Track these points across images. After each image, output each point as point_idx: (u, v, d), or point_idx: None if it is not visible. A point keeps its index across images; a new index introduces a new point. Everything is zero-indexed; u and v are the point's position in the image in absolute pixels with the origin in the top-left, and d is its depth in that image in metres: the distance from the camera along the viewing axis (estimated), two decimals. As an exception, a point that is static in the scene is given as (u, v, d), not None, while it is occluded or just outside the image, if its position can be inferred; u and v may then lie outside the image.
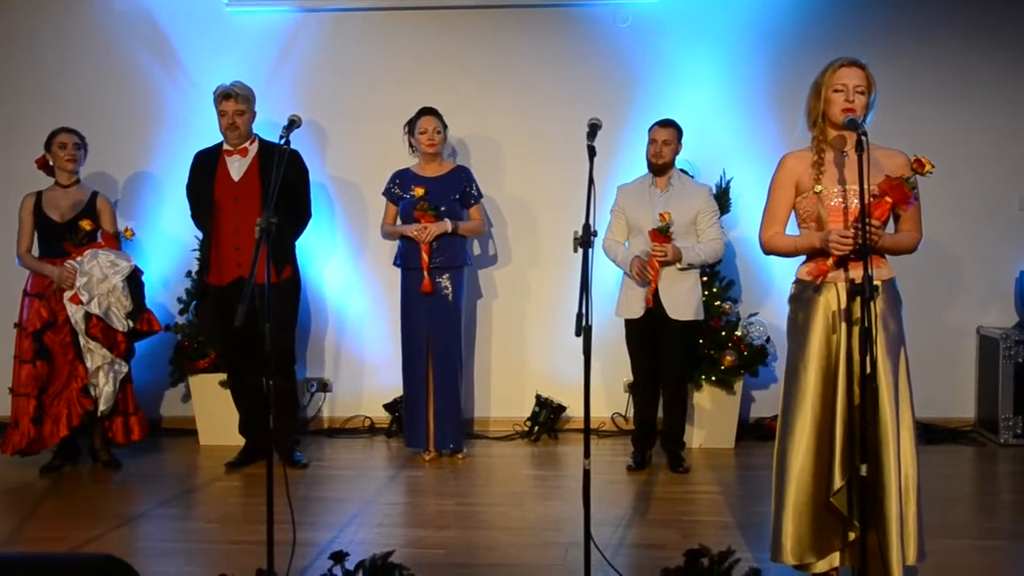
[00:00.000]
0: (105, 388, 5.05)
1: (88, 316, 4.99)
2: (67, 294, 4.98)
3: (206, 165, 5.17)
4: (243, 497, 4.74)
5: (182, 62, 6.14)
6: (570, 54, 6.03)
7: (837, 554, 3.21)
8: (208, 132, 5.84)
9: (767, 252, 3.40)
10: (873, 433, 3.05)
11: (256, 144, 5.14)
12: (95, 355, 5.03)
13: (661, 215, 4.89)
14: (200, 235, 5.57)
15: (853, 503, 3.08)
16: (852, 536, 3.11)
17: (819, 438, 3.16)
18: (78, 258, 5.02)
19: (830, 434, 3.13)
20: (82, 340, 5.02)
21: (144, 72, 6.15)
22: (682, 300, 4.99)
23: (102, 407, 5.05)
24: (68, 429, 5.01)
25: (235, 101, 5.04)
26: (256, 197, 5.01)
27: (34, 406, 4.96)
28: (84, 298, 4.95)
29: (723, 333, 5.49)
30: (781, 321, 5.69)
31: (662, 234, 4.87)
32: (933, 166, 3.10)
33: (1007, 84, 5.90)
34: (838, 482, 3.07)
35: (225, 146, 5.14)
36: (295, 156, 5.21)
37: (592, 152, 3.37)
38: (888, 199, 3.08)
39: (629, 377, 5.47)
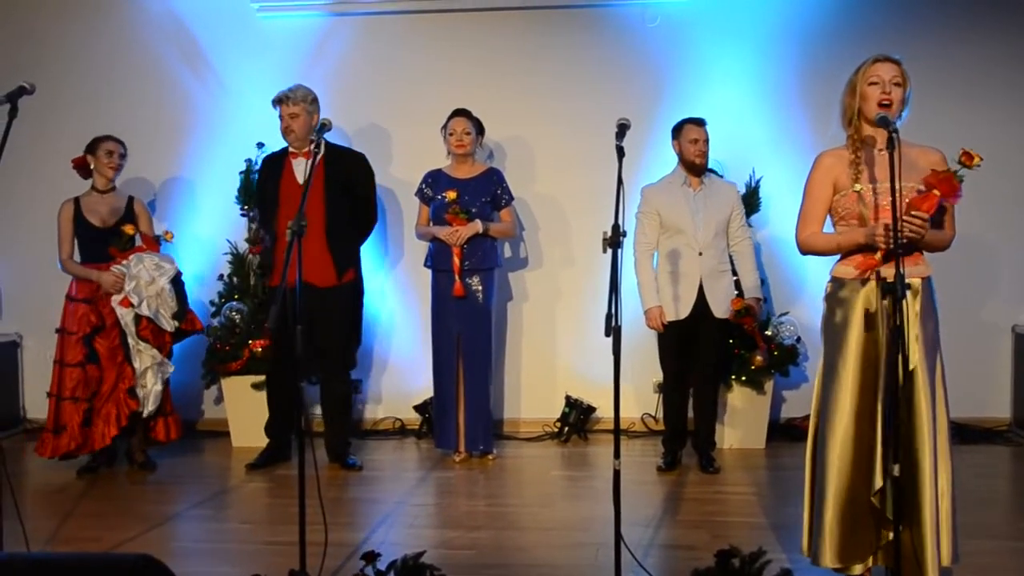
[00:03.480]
0: (154, 388, 5.13)
1: (138, 318, 5.07)
2: (116, 298, 5.06)
3: (273, 169, 5.24)
4: (275, 498, 4.77)
5: (214, 67, 6.20)
6: (600, 54, 6.03)
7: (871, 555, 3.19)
8: (238, 136, 5.92)
9: (805, 252, 3.35)
10: (909, 434, 3.04)
11: (322, 147, 5.17)
12: (144, 356, 5.10)
13: (732, 304, 5.03)
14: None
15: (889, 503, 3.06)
16: (888, 536, 3.09)
17: (858, 437, 3.13)
18: (124, 262, 5.09)
19: (870, 433, 3.10)
20: (131, 342, 5.09)
21: (176, 78, 6.23)
22: (723, 296, 5.02)
23: (150, 407, 5.12)
24: (117, 429, 5.08)
25: (287, 105, 5.10)
26: (320, 200, 5.06)
27: (84, 409, 5.03)
28: (135, 301, 5.03)
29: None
30: (812, 320, 5.68)
31: (744, 315, 5.06)
32: (981, 159, 3.05)
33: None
34: (879, 481, 3.04)
35: (290, 149, 5.20)
36: (362, 159, 5.29)
37: (621, 153, 3.37)
38: (936, 192, 3.04)
39: (659, 378, 5.46)
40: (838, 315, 3.22)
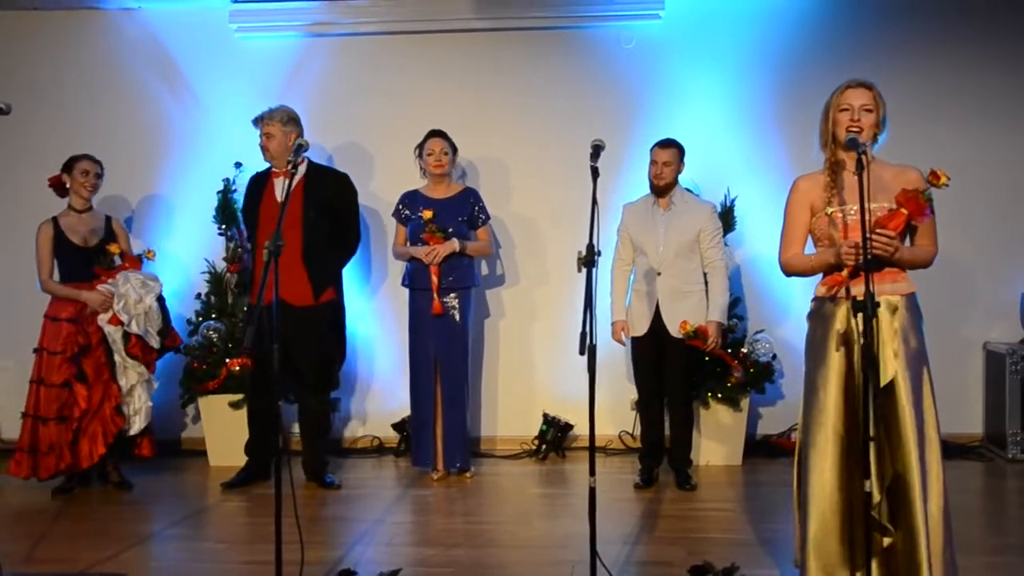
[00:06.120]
0: (145, 404, 5.16)
1: (127, 336, 5.07)
2: (103, 316, 5.06)
3: (257, 187, 5.28)
4: (252, 517, 4.75)
5: (192, 87, 6.21)
6: (575, 75, 6.08)
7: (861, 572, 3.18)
8: (216, 156, 5.94)
9: (788, 274, 3.45)
10: (894, 449, 3.07)
11: (304, 166, 5.19)
12: (131, 373, 5.11)
13: (682, 325, 4.97)
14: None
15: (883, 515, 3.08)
16: (884, 543, 3.09)
17: (839, 453, 3.16)
18: (110, 281, 5.10)
19: (853, 449, 3.12)
20: (119, 359, 5.09)
21: (154, 97, 6.23)
22: (687, 316, 5.02)
23: (142, 423, 5.14)
24: (105, 448, 5.05)
25: (262, 125, 5.15)
26: (297, 219, 5.07)
27: (74, 429, 4.99)
28: (124, 319, 5.04)
29: (728, 350, 5.50)
30: (789, 338, 5.75)
31: (692, 339, 4.99)
32: (949, 179, 3.12)
33: (1017, 99, 5.92)
34: (876, 495, 3.04)
35: (272, 168, 5.23)
36: (343, 179, 5.31)
37: (595, 173, 3.42)
38: (904, 211, 3.12)
39: (636, 395, 5.49)
40: (817, 333, 3.28)
